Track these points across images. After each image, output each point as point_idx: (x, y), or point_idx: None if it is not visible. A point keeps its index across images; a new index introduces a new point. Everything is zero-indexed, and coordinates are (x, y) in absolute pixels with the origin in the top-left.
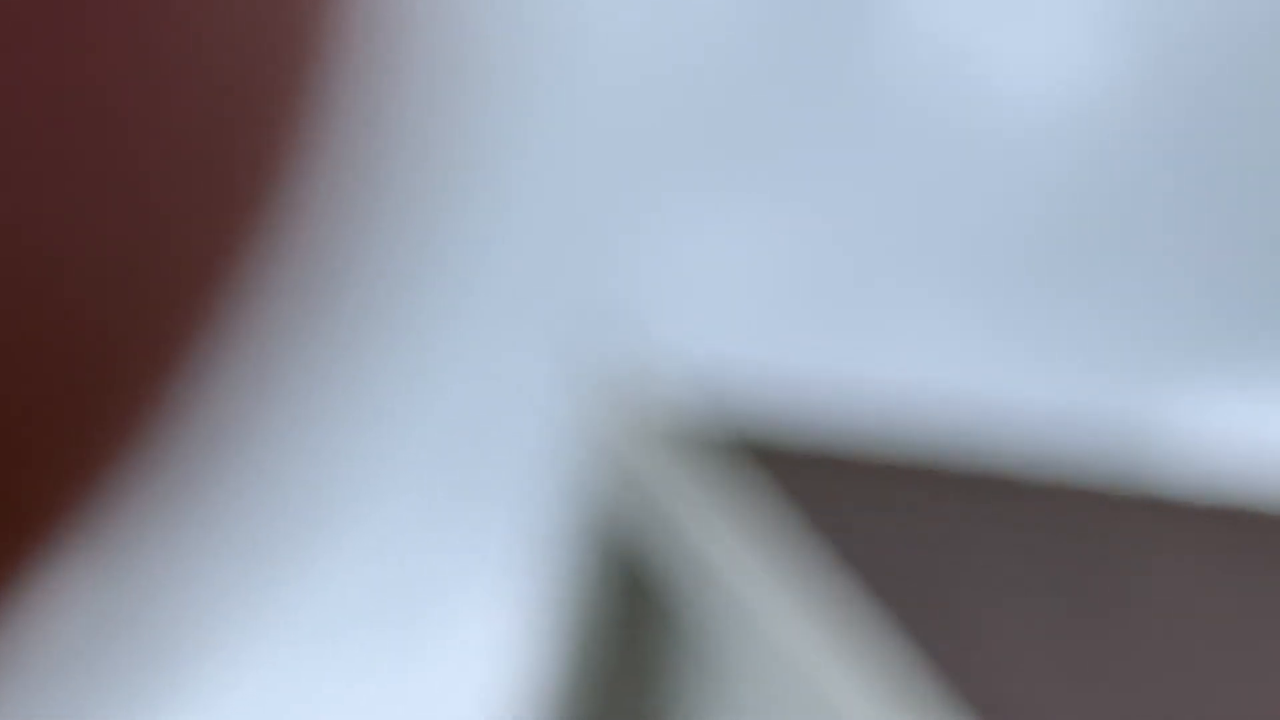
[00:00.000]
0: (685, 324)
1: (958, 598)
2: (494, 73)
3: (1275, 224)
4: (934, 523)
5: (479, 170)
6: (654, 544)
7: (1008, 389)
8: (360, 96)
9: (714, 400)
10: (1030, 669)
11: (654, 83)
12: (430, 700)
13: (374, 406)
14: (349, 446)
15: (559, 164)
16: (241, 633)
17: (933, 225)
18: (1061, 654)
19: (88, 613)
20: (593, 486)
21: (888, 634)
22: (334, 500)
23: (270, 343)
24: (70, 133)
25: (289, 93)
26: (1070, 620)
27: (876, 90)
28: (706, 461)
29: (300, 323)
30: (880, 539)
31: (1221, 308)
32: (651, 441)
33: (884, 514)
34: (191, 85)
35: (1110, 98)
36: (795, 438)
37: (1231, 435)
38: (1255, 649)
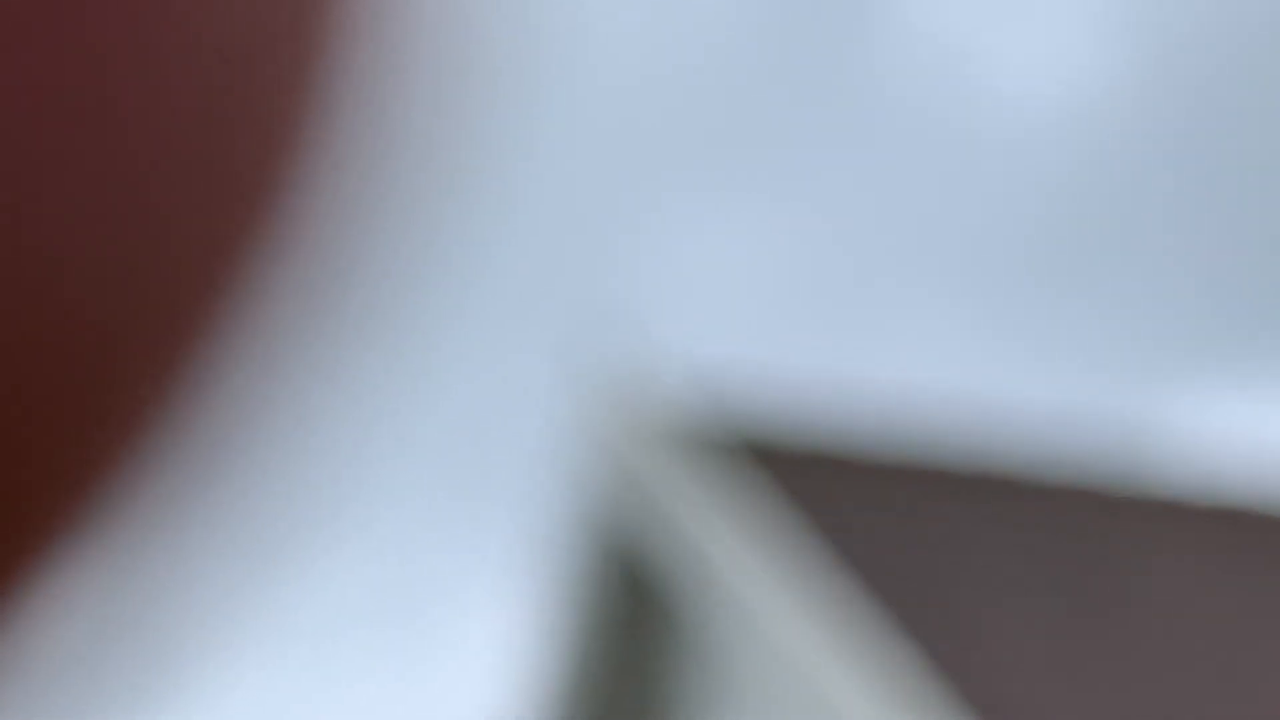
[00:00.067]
0: (685, 324)
1: (958, 598)
2: (496, 73)
3: (1275, 224)
4: (934, 523)
5: (481, 170)
6: (654, 544)
7: (1008, 389)
8: (362, 96)
9: (714, 400)
10: (1030, 669)
11: (654, 83)
12: (431, 700)
13: (375, 407)
14: (350, 447)
15: (560, 164)
16: (243, 633)
17: (933, 225)
18: (1061, 654)
19: (89, 614)
20: (593, 486)
21: (888, 634)
22: (336, 501)
23: (272, 343)
24: (70, 133)
25: (291, 92)
26: (1070, 620)
27: (876, 90)
28: (707, 461)
29: (302, 323)
30: (880, 539)
31: (1221, 308)
32: (652, 442)
33: (884, 514)
34: (192, 85)
35: (1110, 98)
36: (795, 438)
37: (1231, 435)
38: (1255, 649)
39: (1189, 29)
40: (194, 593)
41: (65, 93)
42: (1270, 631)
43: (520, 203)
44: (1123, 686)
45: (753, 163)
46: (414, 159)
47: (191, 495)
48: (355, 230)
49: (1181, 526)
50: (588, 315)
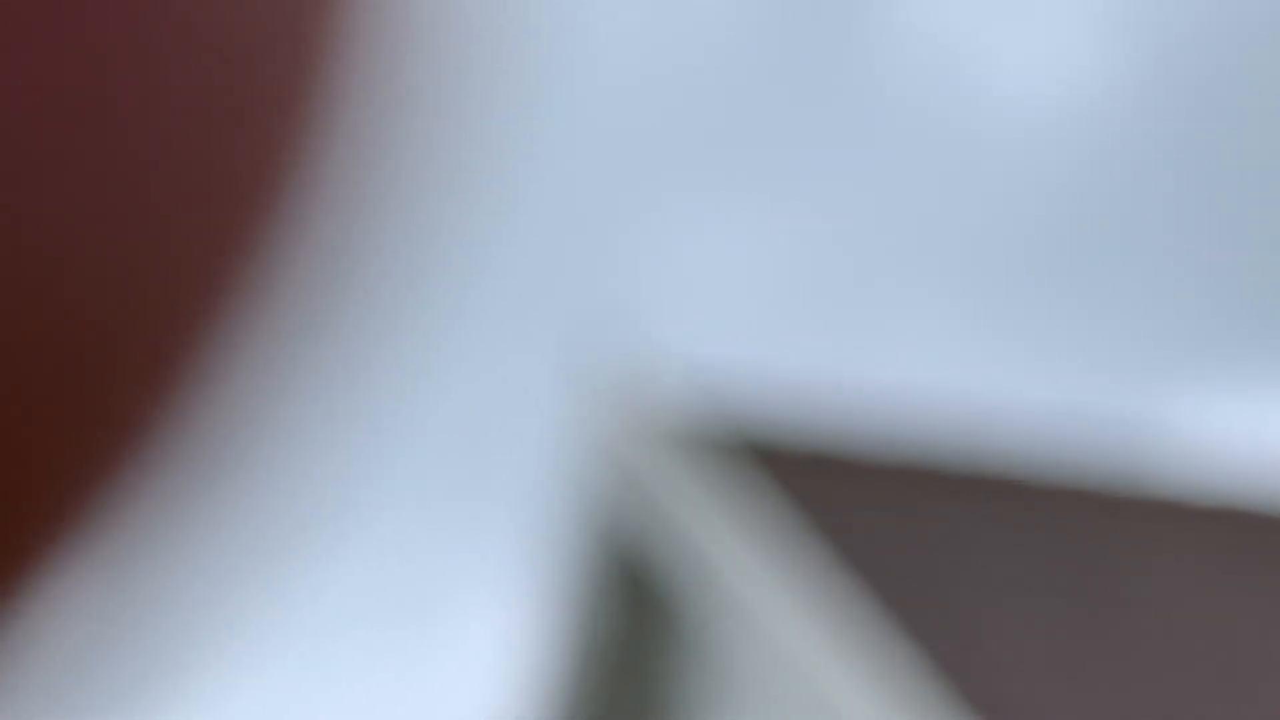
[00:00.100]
0: (685, 324)
1: (958, 598)
2: (496, 73)
3: (1275, 224)
4: (934, 523)
5: (481, 170)
6: (655, 544)
7: (1008, 389)
8: (362, 96)
9: (714, 401)
10: (1030, 669)
11: (654, 83)
12: (432, 700)
13: (376, 407)
14: (351, 447)
15: (560, 164)
16: (244, 633)
17: (933, 225)
18: (1061, 654)
19: (89, 614)
20: (594, 486)
21: (888, 634)
22: (336, 501)
23: (273, 343)
24: (70, 133)
25: (291, 92)
26: (1070, 620)
27: (876, 90)
28: (707, 462)
29: (303, 323)
30: (880, 539)
31: (1221, 308)
32: (652, 442)
33: (884, 514)
34: (192, 85)
35: (1110, 98)
36: (795, 438)
37: (1231, 435)
38: (1255, 649)
39: (1189, 29)
40: (194, 593)
41: (65, 93)
42: (1270, 631)
43: (520, 203)
44: (1123, 686)
45: (753, 163)
46: (414, 159)
47: (192, 495)
48: (356, 230)
49: (1181, 526)
50: (588, 315)
